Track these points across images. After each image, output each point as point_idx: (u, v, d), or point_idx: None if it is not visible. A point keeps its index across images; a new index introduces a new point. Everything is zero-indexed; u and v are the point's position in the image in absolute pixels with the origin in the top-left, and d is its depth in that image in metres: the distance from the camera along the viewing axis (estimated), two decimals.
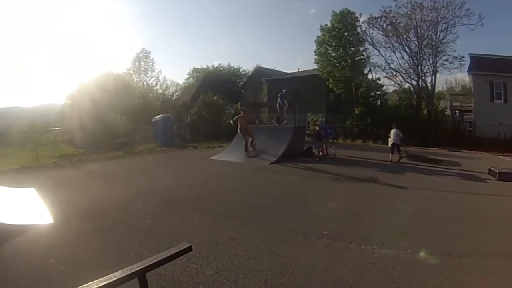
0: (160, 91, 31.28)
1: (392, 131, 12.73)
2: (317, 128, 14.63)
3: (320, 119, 17.52)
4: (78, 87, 27.17)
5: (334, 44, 25.23)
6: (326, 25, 25.80)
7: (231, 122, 14.21)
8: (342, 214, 6.07)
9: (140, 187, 8.65)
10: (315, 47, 26.37)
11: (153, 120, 19.62)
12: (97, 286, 1.26)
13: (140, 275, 1.39)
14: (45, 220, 6.18)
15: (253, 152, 13.04)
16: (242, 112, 14.39)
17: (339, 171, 10.48)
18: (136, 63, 31.66)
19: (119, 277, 1.34)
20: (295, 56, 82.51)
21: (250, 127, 13.75)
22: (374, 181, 8.91)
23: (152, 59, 32.25)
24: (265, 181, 9.11)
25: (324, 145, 13.65)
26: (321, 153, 13.36)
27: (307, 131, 16.68)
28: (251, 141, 13.14)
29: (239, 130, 13.47)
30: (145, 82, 31.10)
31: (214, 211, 6.37)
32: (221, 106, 24.53)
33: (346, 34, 24.92)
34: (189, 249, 1.57)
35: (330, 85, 25.46)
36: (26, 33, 55.77)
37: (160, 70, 31.69)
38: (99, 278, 1.38)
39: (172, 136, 19.06)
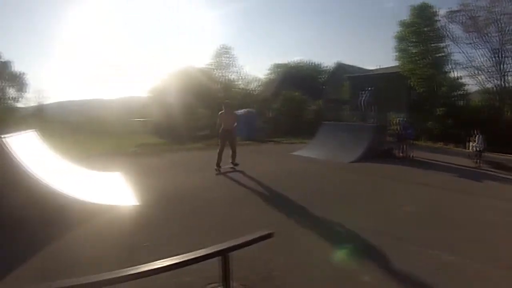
0: (242, 86, 32.31)
1: (477, 136, 12.61)
2: (398, 128, 14.48)
3: (401, 119, 17.31)
4: (160, 81, 29.08)
5: (414, 40, 24.55)
6: (405, 20, 25.13)
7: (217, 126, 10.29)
8: (416, 217, 6.07)
9: (219, 178, 8.99)
10: (394, 43, 25.75)
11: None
12: (182, 260, 1.33)
13: (223, 254, 1.46)
14: (129, 202, 6.90)
15: (226, 169, 9.84)
16: (224, 108, 10.11)
17: (417, 174, 10.38)
18: (217, 59, 32.95)
19: (204, 254, 1.41)
20: (374, 52, 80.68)
21: (235, 133, 10.31)
22: (452, 187, 8.74)
23: (233, 54, 33.30)
24: (345, 179, 9.28)
25: (404, 146, 13.48)
26: (401, 154, 13.24)
27: (388, 131, 16.24)
28: (233, 156, 10.08)
29: (220, 132, 10.02)
30: (226, 77, 32.22)
31: (291, 204, 6.64)
32: (302, 102, 24.66)
33: (425, 29, 24.15)
34: (270, 235, 1.57)
35: (411, 84, 24.62)
36: (110, 31, 60.99)
37: (241, 66, 32.71)
38: (181, 254, 1.46)
39: (254, 130, 19.68)
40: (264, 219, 5.65)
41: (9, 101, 29.47)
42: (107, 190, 7.78)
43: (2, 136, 6.31)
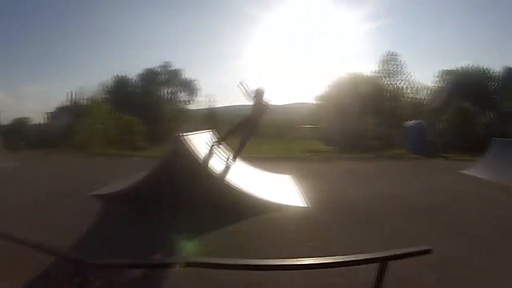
0: (411, 94, 31.40)
1: None
2: None
3: None
4: (328, 88, 29.88)
5: None
6: None
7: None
8: None
9: (385, 191, 9.10)
10: None
11: (405, 125, 20.57)
12: (340, 260, 1.37)
13: (383, 261, 1.45)
14: (299, 203, 7.21)
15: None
16: (255, 97, 9.01)
17: None
18: (384, 66, 32.31)
19: (363, 258, 1.43)
20: None
21: (254, 128, 9.27)
22: None
23: (400, 61, 32.20)
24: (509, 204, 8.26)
25: None
26: None
27: None
28: (238, 150, 9.04)
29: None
30: (394, 85, 31.55)
31: (448, 225, 6.29)
32: (474, 114, 23.21)
33: None
34: (428, 251, 1.56)
35: None
36: (277, 39, 68.40)
37: (409, 73, 31.68)
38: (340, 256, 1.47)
39: (424, 143, 19.25)
40: (421, 236, 5.60)
41: (181, 104, 33.25)
42: (279, 190, 8.29)
43: (183, 134, 7.13)
